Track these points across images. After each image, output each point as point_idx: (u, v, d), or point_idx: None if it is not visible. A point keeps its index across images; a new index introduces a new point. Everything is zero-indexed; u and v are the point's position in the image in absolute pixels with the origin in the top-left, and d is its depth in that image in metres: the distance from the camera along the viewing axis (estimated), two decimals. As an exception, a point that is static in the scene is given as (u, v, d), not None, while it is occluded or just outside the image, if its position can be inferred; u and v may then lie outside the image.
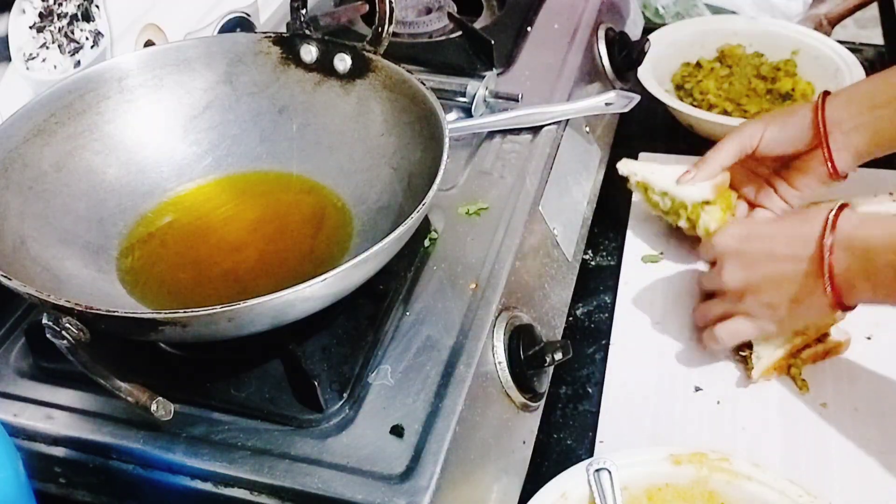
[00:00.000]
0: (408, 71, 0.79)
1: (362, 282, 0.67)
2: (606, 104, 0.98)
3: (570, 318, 0.92)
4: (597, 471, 0.74)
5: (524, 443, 0.75)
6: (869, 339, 0.90)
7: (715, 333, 0.85)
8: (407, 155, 0.78)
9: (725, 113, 1.15)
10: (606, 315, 0.95)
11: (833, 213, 0.79)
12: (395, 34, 0.82)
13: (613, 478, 0.74)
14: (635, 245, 1.02)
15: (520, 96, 0.96)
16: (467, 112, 0.95)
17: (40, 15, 0.83)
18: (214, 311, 0.59)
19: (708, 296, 0.90)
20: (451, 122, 0.93)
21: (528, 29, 1.09)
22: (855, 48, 1.25)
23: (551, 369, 0.80)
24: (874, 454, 0.80)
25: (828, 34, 1.41)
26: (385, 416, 0.66)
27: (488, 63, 0.99)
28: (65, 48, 0.86)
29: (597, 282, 0.99)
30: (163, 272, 0.77)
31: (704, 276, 0.91)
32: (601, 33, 1.11)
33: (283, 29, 0.85)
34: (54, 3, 0.84)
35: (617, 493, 0.73)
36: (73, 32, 0.87)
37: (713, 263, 0.88)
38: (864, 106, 0.92)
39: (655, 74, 1.18)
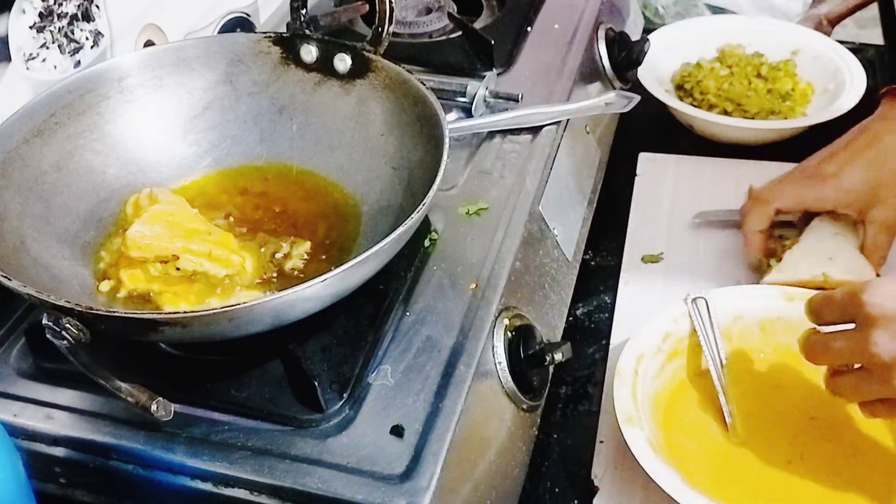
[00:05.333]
0: (408, 71, 0.79)
1: (362, 282, 0.67)
2: (606, 104, 0.98)
3: (570, 318, 0.92)
4: (694, 300, 0.83)
5: (524, 443, 0.75)
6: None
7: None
8: (407, 155, 0.78)
9: (725, 113, 1.15)
10: (606, 315, 0.94)
11: None
12: (395, 34, 0.82)
13: (710, 305, 0.83)
14: (635, 245, 1.02)
15: (520, 96, 0.96)
16: (467, 112, 0.95)
17: (40, 15, 0.83)
18: (214, 311, 0.59)
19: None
20: (451, 122, 0.92)
21: (528, 29, 1.09)
22: (855, 48, 1.25)
23: (551, 369, 0.80)
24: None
25: (828, 34, 1.41)
26: (385, 416, 0.66)
27: (488, 63, 0.99)
28: (65, 48, 0.86)
29: (597, 282, 0.99)
30: (163, 272, 0.77)
31: (839, 341, 0.72)
32: (601, 33, 1.11)
33: (283, 29, 0.85)
34: (54, 3, 0.84)
35: (714, 319, 0.82)
36: (73, 32, 0.87)
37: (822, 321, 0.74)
38: None
39: (655, 74, 1.18)
